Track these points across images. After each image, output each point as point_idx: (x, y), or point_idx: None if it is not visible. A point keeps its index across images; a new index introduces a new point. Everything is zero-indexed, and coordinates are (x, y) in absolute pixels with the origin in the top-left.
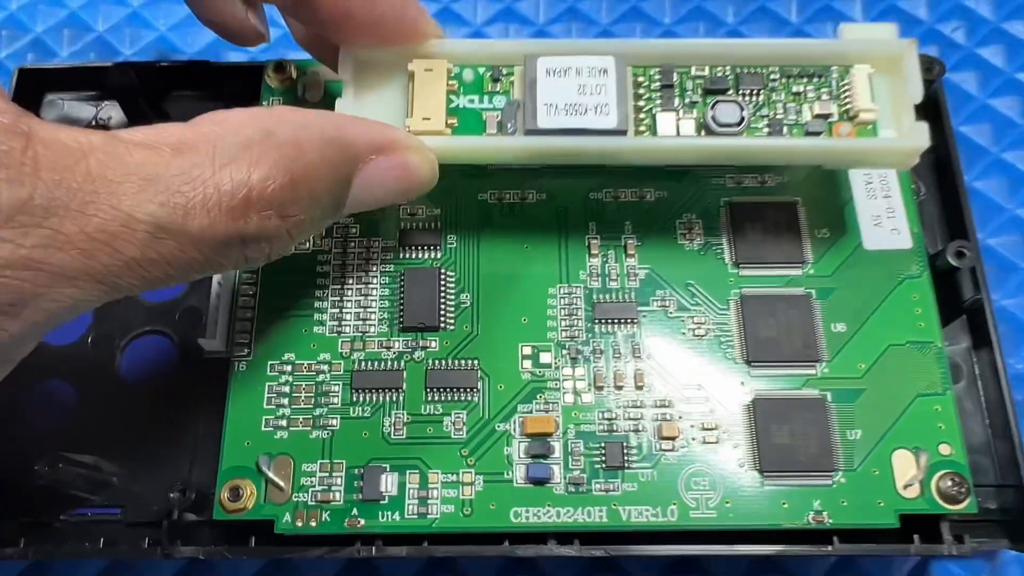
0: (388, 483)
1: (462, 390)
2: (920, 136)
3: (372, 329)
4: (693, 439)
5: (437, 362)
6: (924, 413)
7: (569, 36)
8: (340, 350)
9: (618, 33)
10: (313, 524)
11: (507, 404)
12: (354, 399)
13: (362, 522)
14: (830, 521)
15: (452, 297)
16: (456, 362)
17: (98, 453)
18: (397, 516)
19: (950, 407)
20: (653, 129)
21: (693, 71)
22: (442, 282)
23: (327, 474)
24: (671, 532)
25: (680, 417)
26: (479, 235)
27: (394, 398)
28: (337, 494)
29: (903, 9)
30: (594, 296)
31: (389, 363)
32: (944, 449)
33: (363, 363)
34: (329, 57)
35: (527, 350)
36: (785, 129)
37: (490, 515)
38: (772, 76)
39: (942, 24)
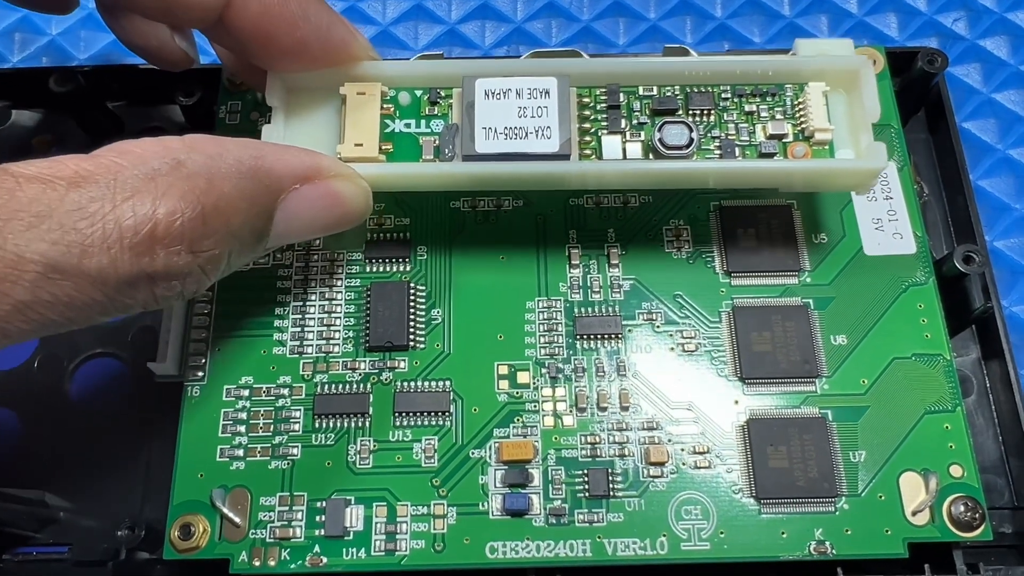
0: (353, 517)
1: (433, 414)
2: (878, 157)
3: (336, 349)
4: (683, 464)
5: (406, 384)
6: (933, 432)
7: (549, 33)
8: (301, 372)
9: (600, 30)
10: (272, 563)
11: (482, 428)
12: (316, 425)
13: (325, 560)
14: (833, 552)
15: (423, 313)
16: (427, 384)
17: (43, 486)
18: (363, 553)
19: (960, 424)
20: (599, 152)
21: (640, 91)
22: (412, 297)
23: (287, 508)
24: (661, 566)
25: (669, 440)
26: (451, 246)
27: (360, 424)
28: (298, 530)
29: None
30: (575, 310)
31: (354, 386)
32: (955, 471)
33: (326, 386)
34: (260, 82)
35: (503, 369)
36: (737, 151)
37: (464, 550)
38: (723, 95)
39: (943, 15)
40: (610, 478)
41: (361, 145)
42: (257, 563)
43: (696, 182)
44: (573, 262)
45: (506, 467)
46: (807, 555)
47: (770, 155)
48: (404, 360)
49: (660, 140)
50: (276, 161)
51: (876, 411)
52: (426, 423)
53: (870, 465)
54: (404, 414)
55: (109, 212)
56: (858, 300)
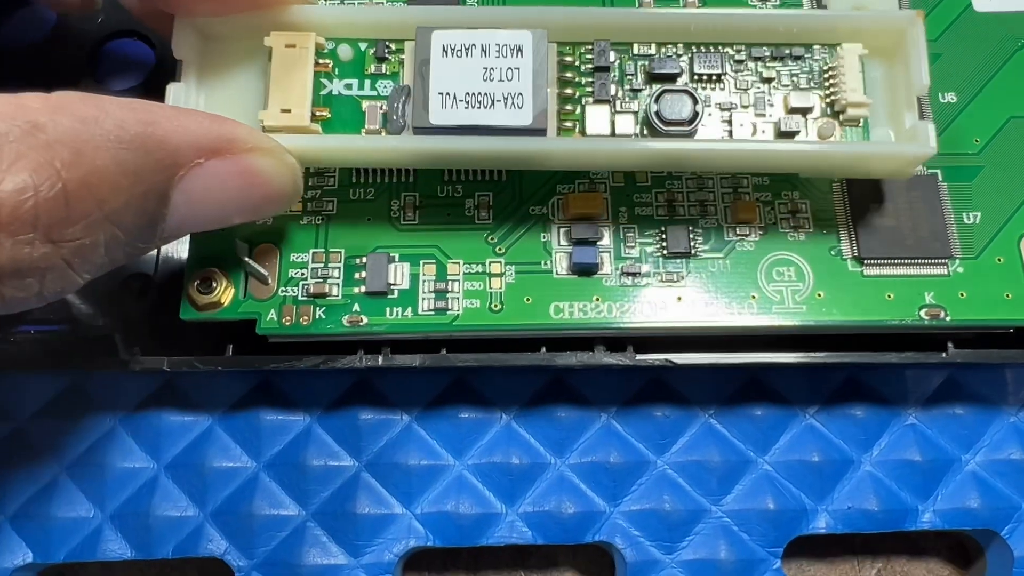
0: (398, 274)
1: (487, 170)
2: (924, 140)
3: None
4: (774, 222)
5: None
6: None
7: None
8: None
9: None
10: (304, 322)
11: (543, 185)
12: (355, 180)
13: (365, 320)
14: (948, 317)
15: None
16: None
17: None
18: (409, 312)
19: None
20: (582, 126)
21: (635, 49)
22: None
23: (321, 264)
24: (747, 338)
25: (758, 197)
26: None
27: (404, 178)
28: (334, 288)
29: None
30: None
31: None
32: None
33: None
34: (169, 29)
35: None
36: (752, 128)
37: (525, 310)
38: (736, 57)
39: None
40: (691, 236)
41: (289, 111)
42: (288, 321)
43: (700, 165)
44: None
45: (571, 224)
46: (918, 320)
47: (792, 134)
48: None
49: (657, 113)
50: (172, 128)
51: (991, 172)
52: (479, 177)
53: (986, 227)
54: (454, 170)
55: None
56: (968, 58)
